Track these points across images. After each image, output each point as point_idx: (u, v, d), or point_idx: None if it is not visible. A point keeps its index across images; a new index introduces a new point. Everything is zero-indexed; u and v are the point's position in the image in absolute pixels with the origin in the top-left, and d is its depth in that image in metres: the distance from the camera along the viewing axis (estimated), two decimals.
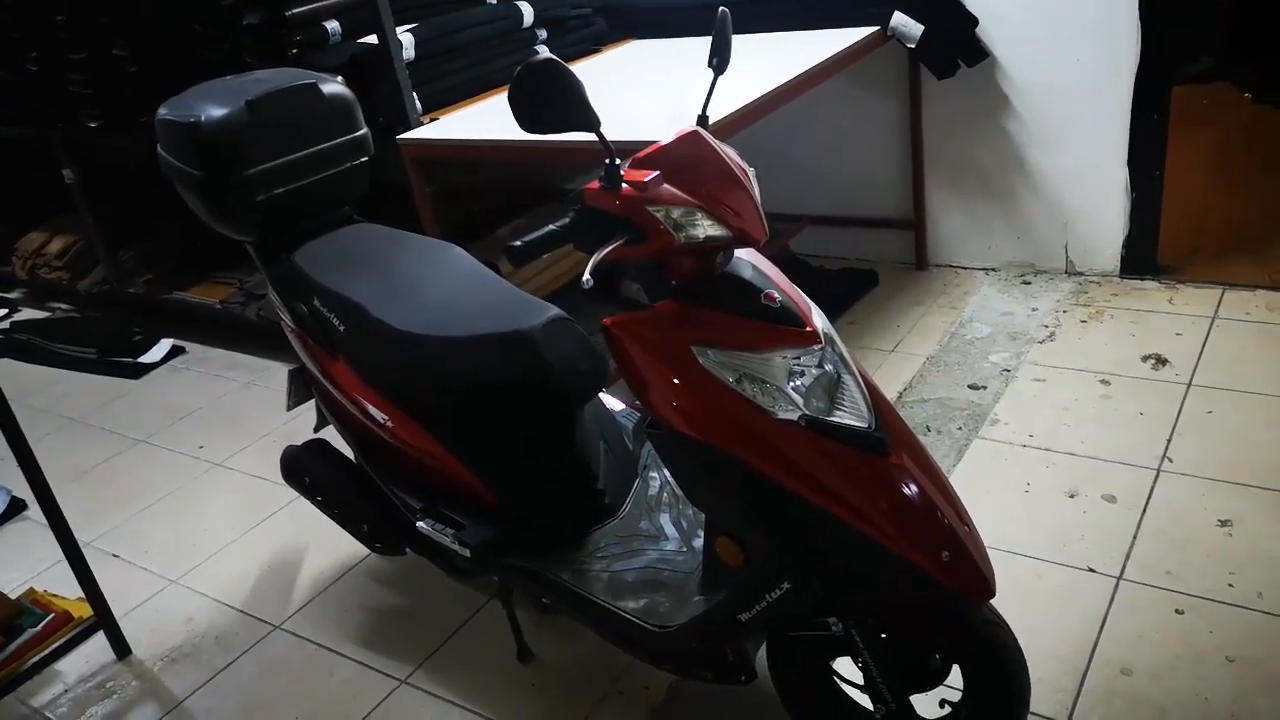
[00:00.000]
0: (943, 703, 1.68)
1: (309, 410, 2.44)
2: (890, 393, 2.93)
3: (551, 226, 1.42)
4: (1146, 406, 2.69)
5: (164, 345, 4.13)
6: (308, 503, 2.44)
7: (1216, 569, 2.11)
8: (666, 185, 1.43)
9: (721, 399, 1.46)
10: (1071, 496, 2.40)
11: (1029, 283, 3.50)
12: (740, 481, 1.48)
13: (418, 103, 2.90)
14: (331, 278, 2.04)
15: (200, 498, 3.05)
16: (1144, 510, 2.31)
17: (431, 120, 2.93)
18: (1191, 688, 1.85)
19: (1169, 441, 2.53)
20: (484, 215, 3.62)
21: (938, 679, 1.66)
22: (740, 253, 1.59)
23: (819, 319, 1.54)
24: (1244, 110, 4.58)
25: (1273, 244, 3.39)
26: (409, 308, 1.95)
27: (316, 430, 2.43)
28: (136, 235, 4.42)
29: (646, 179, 1.40)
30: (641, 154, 1.45)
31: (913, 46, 3.16)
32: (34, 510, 3.07)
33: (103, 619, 2.38)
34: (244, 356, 3.98)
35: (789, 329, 1.49)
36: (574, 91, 1.33)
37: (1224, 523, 2.23)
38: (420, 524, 1.98)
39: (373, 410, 2.00)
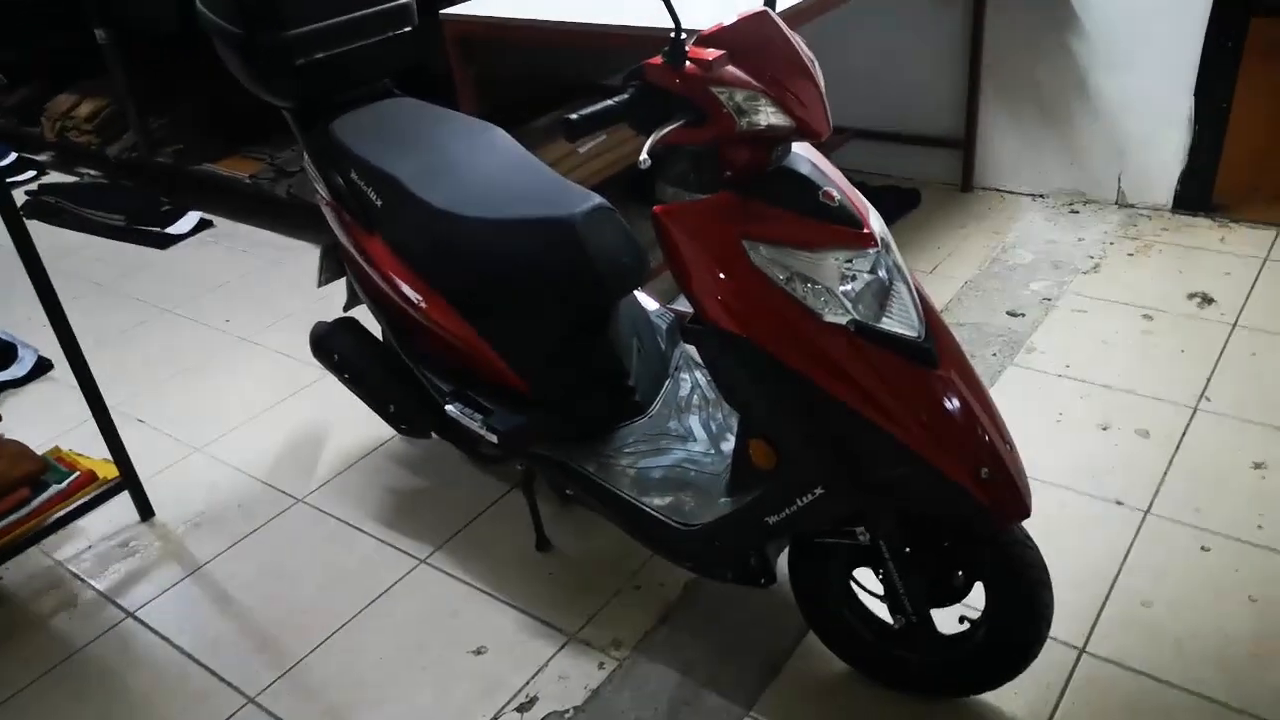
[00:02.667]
0: (962, 619, 1.68)
1: (337, 290, 2.41)
2: None
3: (609, 102, 1.36)
4: (1188, 344, 2.63)
5: (192, 217, 4.10)
6: (333, 382, 2.42)
7: (1246, 509, 2.08)
8: (731, 66, 1.36)
9: (769, 297, 1.42)
10: (1104, 429, 2.36)
11: (1077, 212, 3.40)
12: (781, 383, 1.44)
13: None
14: (370, 150, 1.99)
15: (226, 370, 3.05)
16: (1177, 447, 2.28)
17: None
18: (1211, 623, 1.84)
19: (1208, 380, 2.48)
20: (521, 104, 3.53)
21: (959, 595, 1.65)
22: (797, 147, 1.53)
23: (876, 221, 1.49)
24: None
25: None
26: (449, 186, 1.90)
27: (346, 309, 2.41)
28: (167, 103, 4.34)
29: (712, 58, 1.33)
30: (707, 31, 1.38)
31: None
32: (60, 371, 3.09)
33: (128, 479, 2.40)
34: (271, 234, 3.95)
35: (845, 229, 1.44)
36: None
37: (1258, 465, 2.19)
38: (449, 407, 1.97)
39: (406, 289, 1.97)
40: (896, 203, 3.56)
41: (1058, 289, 2.96)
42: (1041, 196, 3.52)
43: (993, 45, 3.38)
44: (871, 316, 1.43)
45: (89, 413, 2.32)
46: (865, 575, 1.72)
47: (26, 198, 4.45)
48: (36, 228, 4.25)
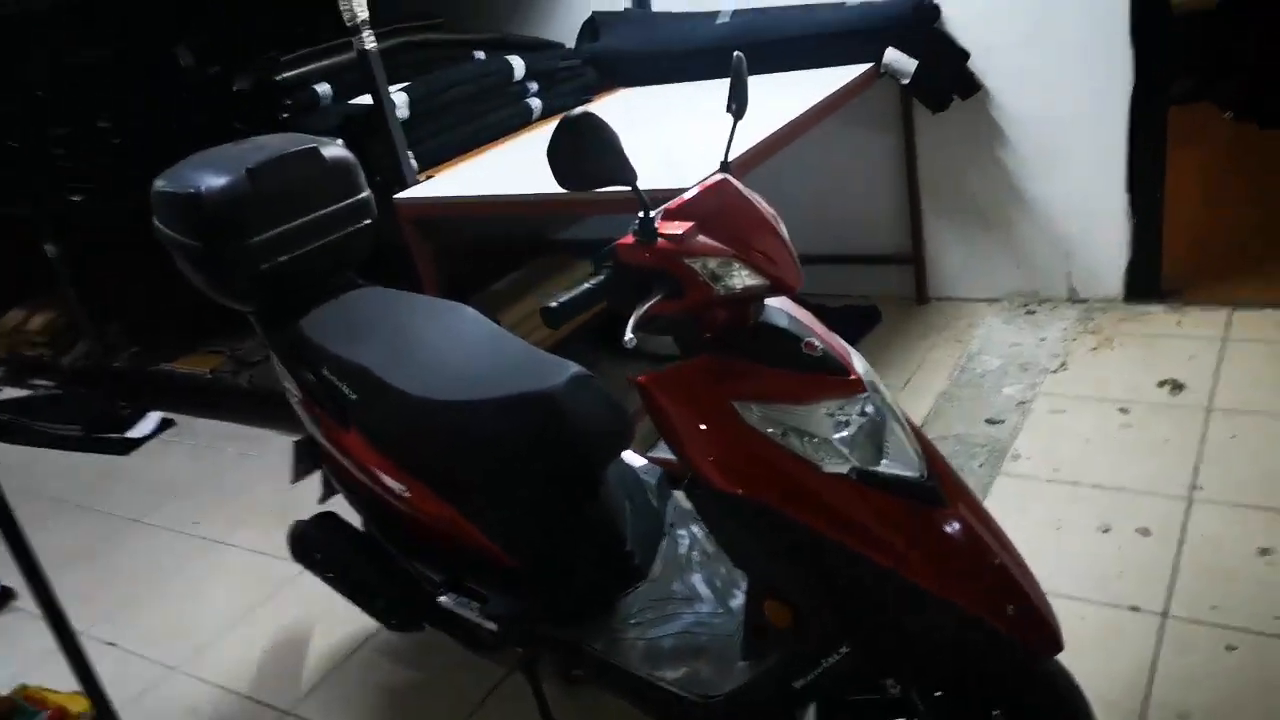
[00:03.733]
0: None
1: (311, 482, 2.35)
2: None
3: (586, 285, 1.36)
4: (1169, 433, 2.64)
5: (153, 418, 4.03)
6: (311, 577, 2.33)
7: (1263, 601, 2.04)
8: (701, 236, 1.37)
9: (767, 454, 1.39)
10: (1105, 531, 2.34)
11: (1033, 312, 3.47)
12: (790, 540, 1.40)
13: (413, 161, 2.85)
14: (340, 344, 1.97)
15: (198, 578, 2.94)
16: (1180, 542, 2.25)
17: (428, 178, 2.88)
18: None
19: (1196, 469, 2.48)
20: (479, 271, 3.57)
21: None
22: (771, 301, 1.54)
23: (860, 364, 1.48)
24: (1233, 128, 4.62)
25: (1276, 264, 3.39)
26: (423, 372, 1.88)
27: (321, 501, 2.34)
28: (120, 307, 4.33)
29: (681, 231, 1.35)
30: (673, 205, 1.40)
31: (906, 82, 3.16)
32: (23, 600, 2.95)
33: (102, 713, 2.25)
34: (236, 426, 3.88)
35: (832, 378, 1.43)
36: (611, 145, 1.28)
37: (1265, 551, 2.17)
38: (442, 598, 1.89)
39: (388, 480, 1.92)
40: (858, 321, 3.61)
41: (1030, 391, 2.98)
42: (996, 300, 3.59)
43: (927, 163, 3.50)
44: (870, 461, 1.41)
45: (56, 643, 2.19)
46: None
47: None
48: None
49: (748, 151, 2.46)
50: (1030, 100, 3.23)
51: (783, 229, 1.50)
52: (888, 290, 3.78)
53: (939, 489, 1.41)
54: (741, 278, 1.38)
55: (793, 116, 2.66)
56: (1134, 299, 3.35)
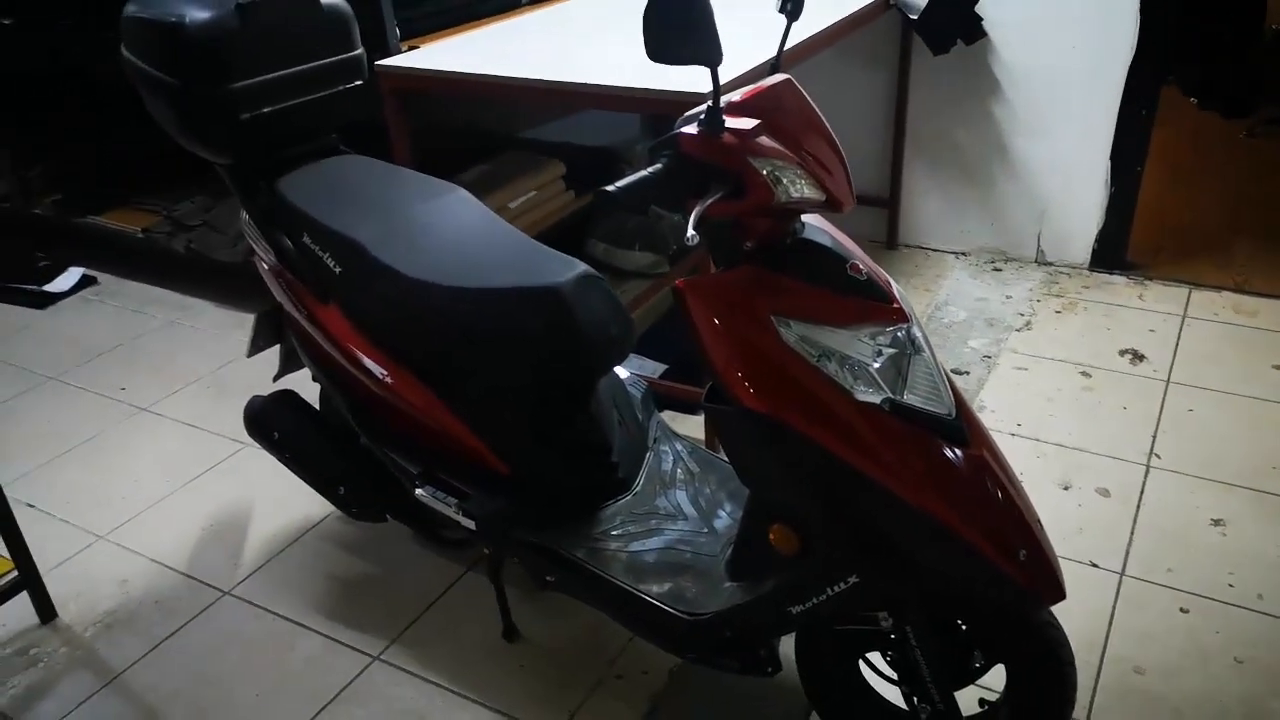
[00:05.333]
0: (982, 702, 1.62)
1: (243, 359, 2.19)
2: None
3: (644, 173, 1.25)
4: (1129, 401, 2.69)
5: (73, 274, 3.76)
6: (248, 457, 2.21)
7: (1215, 568, 2.11)
8: (765, 137, 1.28)
9: (801, 376, 1.34)
10: (1066, 489, 2.38)
11: (999, 269, 3.49)
12: (813, 465, 1.36)
13: (396, 29, 2.66)
14: (326, 212, 1.82)
15: (126, 445, 2.77)
16: (1138, 506, 2.31)
17: (410, 49, 2.69)
18: (1203, 688, 1.84)
19: (1154, 438, 2.54)
20: (443, 158, 3.39)
21: (975, 676, 1.59)
22: (811, 218, 1.47)
23: (899, 293, 1.43)
24: (1209, 116, 4.68)
25: (1234, 248, 3.47)
26: (417, 252, 1.75)
27: (277, 379, 2.20)
28: (46, 150, 4.00)
29: (749, 128, 1.26)
30: (740, 98, 1.31)
31: (914, 18, 3.07)
32: None
33: (26, 576, 2.11)
34: (166, 292, 3.65)
35: (875, 304, 1.38)
36: (706, 20, 1.17)
37: (1217, 522, 2.24)
38: (420, 491, 1.80)
39: (368, 363, 1.80)
40: None
41: (996, 346, 3.00)
42: (964, 255, 3.60)
43: (917, 108, 3.45)
44: (900, 392, 1.36)
45: None
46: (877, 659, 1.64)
47: None
48: None
49: (755, 68, 2.35)
50: (1030, 54, 3.19)
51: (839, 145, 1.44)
52: (859, 231, 3.73)
53: (964, 428, 1.38)
54: (801, 187, 1.31)
55: (804, 37, 2.56)
56: (1099, 267, 3.40)
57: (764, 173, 1.27)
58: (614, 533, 1.76)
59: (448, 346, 1.73)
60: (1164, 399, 2.69)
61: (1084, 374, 2.83)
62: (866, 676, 1.70)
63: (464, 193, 1.94)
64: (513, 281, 1.68)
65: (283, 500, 2.44)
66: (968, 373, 2.86)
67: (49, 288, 3.67)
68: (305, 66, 1.92)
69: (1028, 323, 3.12)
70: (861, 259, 1.43)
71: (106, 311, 3.57)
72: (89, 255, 3.86)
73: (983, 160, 3.43)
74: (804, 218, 1.46)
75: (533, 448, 1.78)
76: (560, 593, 1.85)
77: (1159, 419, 2.61)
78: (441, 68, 2.55)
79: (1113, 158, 3.21)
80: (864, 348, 1.35)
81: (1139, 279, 3.33)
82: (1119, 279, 3.34)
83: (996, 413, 2.68)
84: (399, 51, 2.65)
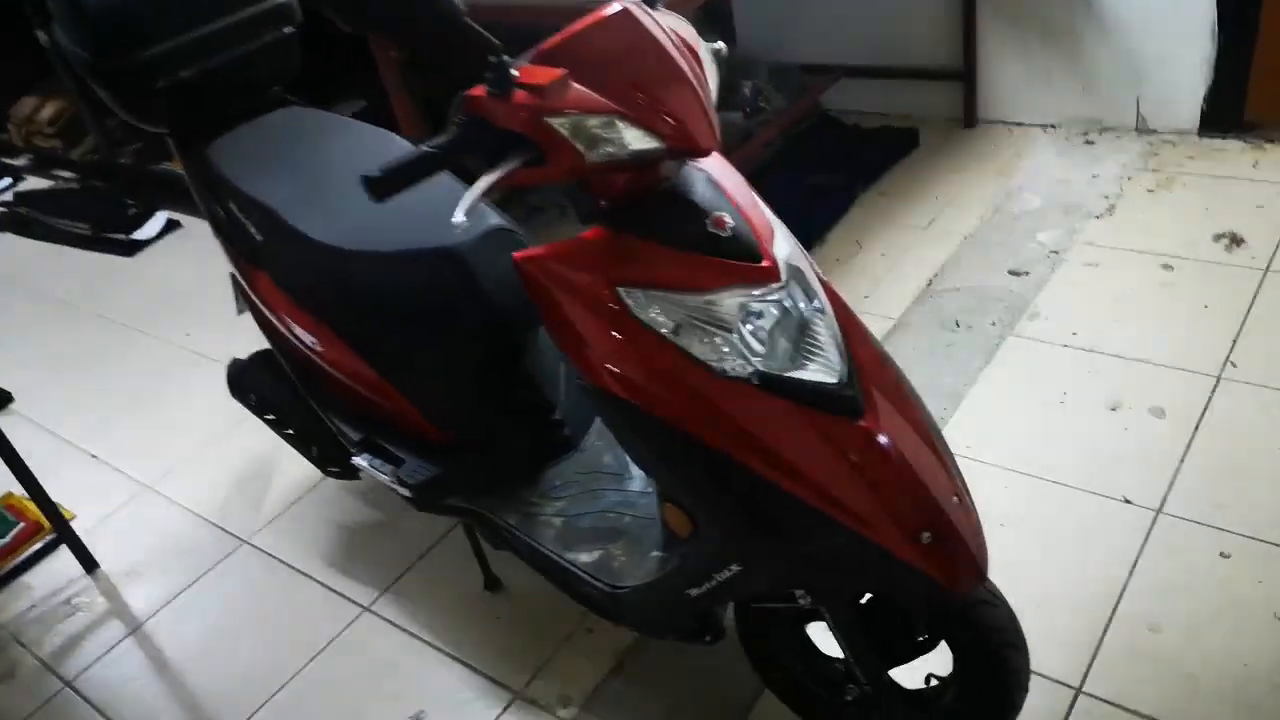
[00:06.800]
0: (929, 677, 1.47)
1: None
2: (918, 280, 2.60)
3: (425, 146, 1.11)
4: (1213, 297, 2.33)
5: (159, 219, 3.95)
6: None
7: (1275, 504, 1.82)
8: (576, 86, 1.11)
9: (656, 354, 1.19)
10: (1113, 410, 2.10)
11: (1092, 142, 3.06)
12: (681, 452, 1.22)
13: None
14: (246, 177, 1.78)
15: (182, 393, 2.91)
16: (1196, 428, 2.01)
17: None
18: (1229, 649, 1.61)
19: (1234, 342, 2.19)
20: None
21: (923, 650, 1.44)
22: (702, 162, 1.28)
23: (782, 246, 1.23)
24: None
25: None
26: (331, 214, 1.68)
27: (240, 314, 2.19)
28: None
29: (547, 81, 1.08)
30: (546, 44, 1.13)
31: None
32: (20, 404, 2.98)
33: (62, 532, 2.28)
34: None
35: (739, 263, 1.19)
36: None
37: None
38: (357, 459, 1.78)
39: (299, 331, 1.78)
40: (891, 146, 3.25)
41: (1067, 239, 2.65)
42: (1053, 127, 3.18)
43: None
44: (782, 363, 1.19)
45: (49, 452, 2.18)
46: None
47: (2, 210, 4.34)
48: (11, 242, 4.14)
49: None
50: None
51: (706, 71, 1.23)
52: (934, 110, 3.37)
53: (856, 396, 1.20)
54: (630, 140, 1.13)
55: None
56: (1210, 131, 2.92)
57: (569, 133, 1.10)
58: (553, 495, 1.69)
59: (365, 313, 1.67)
60: (1256, 293, 2.30)
61: (1165, 267, 2.46)
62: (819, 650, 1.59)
63: (397, 140, 1.84)
64: (418, 242, 1.59)
65: None
66: (1027, 273, 2.55)
67: (137, 235, 3.87)
68: (222, 23, 1.84)
69: (1110, 207, 2.74)
70: (740, 206, 1.24)
71: (187, 256, 3.73)
72: (173, 200, 4.02)
73: (1067, 16, 2.97)
74: (691, 163, 1.27)
75: (466, 412, 1.72)
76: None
77: (1245, 318, 2.24)
78: None
79: (1220, 1, 2.71)
80: (727, 314, 1.18)
81: (1258, 143, 2.84)
82: (1233, 144, 2.86)
83: (1051, 320, 2.38)
84: None
